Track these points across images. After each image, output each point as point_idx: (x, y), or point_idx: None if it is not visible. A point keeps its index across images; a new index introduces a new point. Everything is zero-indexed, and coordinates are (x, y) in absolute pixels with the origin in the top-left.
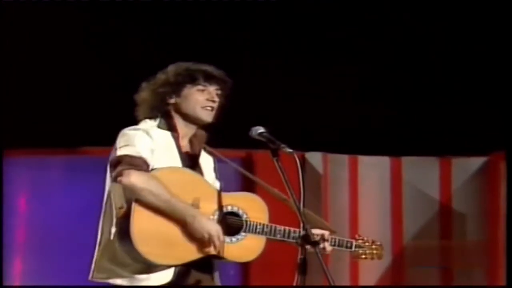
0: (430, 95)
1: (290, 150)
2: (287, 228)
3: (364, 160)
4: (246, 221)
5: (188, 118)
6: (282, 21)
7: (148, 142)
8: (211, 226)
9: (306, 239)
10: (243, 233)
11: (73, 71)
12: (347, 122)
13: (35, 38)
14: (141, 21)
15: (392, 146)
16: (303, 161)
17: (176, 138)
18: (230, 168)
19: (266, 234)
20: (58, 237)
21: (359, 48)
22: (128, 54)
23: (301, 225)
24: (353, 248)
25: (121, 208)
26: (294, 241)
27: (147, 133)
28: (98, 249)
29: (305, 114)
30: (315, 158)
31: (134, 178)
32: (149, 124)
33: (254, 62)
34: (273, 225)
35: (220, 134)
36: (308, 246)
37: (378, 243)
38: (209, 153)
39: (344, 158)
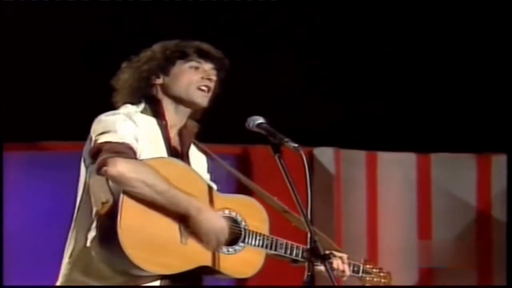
0: (463, 82)
1: (295, 145)
2: (289, 242)
3: (385, 157)
4: (245, 229)
5: (179, 101)
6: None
7: (132, 127)
8: (218, 221)
9: (314, 252)
10: (241, 244)
11: (35, 61)
12: (364, 112)
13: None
14: (139, 21)
15: (418, 140)
16: (311, 158)
17: (164, 127)
18: (214, 166)
19: (266, 247)
20: (19, 243)
21: (384, 35)
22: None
23: (309, 235)
24: (360, 274)
25: (105, 202)
26: (301, 259)
27: (130, 117)
28: (69, 260)
29: (313, 102)
30: (325, 154)
31: (122, 167)
32: (130, 109)
33: (252, 49)
34: (275, 237)
35: (212, 127)
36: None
37: (386, 270)
38: (202, 151)
39: (361, 154)
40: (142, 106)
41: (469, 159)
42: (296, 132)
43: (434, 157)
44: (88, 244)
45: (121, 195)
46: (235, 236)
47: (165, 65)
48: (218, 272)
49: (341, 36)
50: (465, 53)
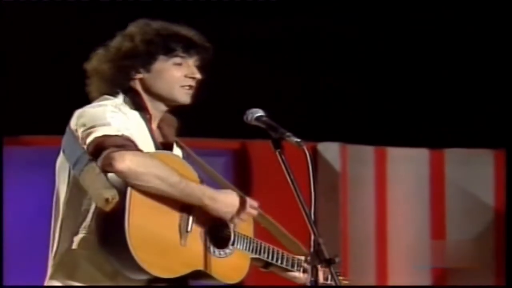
0: (479, 73)
1: (298, 140)
2: (271, 246)
3: (395, 153)
4: (235, 232)
5: (159, 98)
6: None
7: (123, 119)
8: (232, 201)
9: (318, 255)
10: (231, 247)
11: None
12: (372, 104)
13: None
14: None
15: (431, 134)
16: (315, 154)
17: (148, 120)
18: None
19: (252, 251)
20: (18, 242)
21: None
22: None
23: (312, 237)
24: (329, 280)
25: (109, 200)
26: (279, 264)
27: (119, 109)
28: (53, 262)
29: (317, 94)
30: (330, 150)
31: (130, 161)
32: (117, 101)
33: (252, 42)
34: (259, 241)
35: (208, 121)
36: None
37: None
38: (180, 146)
39: (369, 150)
40: (122, 98)
41: (486, 155)
42: (298, 126)
43: (448, 153)
44: (74, 246)
45: (129, 190)
46: (225, 238)
47: (146, 61)
48: (209, 276)
49: (350, 26)
50: (479, 45)
